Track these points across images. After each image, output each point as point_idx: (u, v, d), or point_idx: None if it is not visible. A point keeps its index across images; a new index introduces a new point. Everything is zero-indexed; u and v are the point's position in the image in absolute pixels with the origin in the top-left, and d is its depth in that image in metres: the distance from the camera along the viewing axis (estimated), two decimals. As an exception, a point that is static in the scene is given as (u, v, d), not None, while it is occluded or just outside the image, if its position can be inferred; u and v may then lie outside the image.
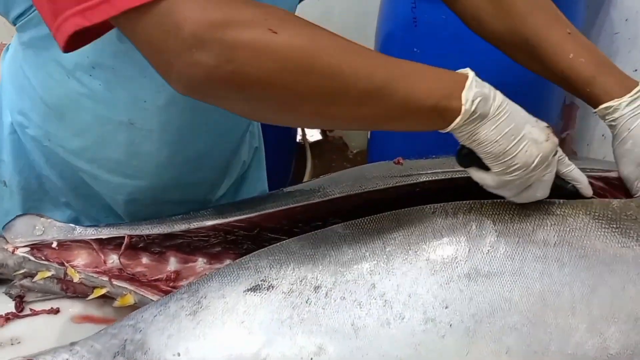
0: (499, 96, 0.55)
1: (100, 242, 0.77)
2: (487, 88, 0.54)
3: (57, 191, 0.89)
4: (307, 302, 0.56)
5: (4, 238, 0.77)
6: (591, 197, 0.62)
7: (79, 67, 0.72)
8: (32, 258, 0.76)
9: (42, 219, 0.78)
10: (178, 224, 0.75)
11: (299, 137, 2.33)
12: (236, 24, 0.47)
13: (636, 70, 1.47)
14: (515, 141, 0.54)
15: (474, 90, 0.53)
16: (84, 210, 0.91)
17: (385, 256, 0.57)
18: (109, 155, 0.81)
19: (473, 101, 0.52)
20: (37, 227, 0.79)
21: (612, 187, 0.66)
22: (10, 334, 0.72)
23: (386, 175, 0.70)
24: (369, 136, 1.82)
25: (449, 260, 0.55)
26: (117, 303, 0.74)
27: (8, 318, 0.74)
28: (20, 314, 0.75)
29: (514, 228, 0.57)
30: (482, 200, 0.60)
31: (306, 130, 2.44)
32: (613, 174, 0.68)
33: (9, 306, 0.76)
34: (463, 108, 0.52)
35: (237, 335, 0.57)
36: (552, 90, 1.51)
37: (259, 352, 0.56)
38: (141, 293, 0.73)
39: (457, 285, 0.54)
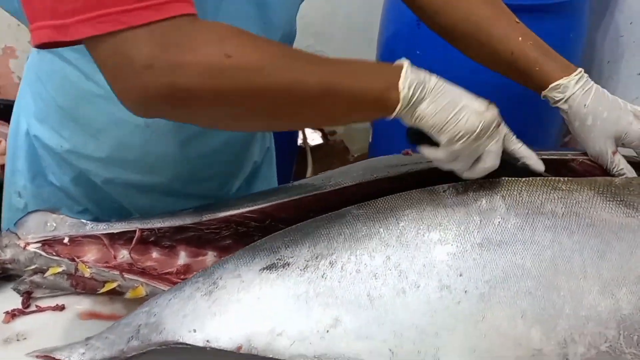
0: (433, 79, 0.62)
1: (111, 237, 0.80)
2: (422, 74, 0.61)
3: (72, 200, 0.93)
4: (322, 277, 0.60)
5: (16, 234, 0.80)
6: (544, 174, 0.67)
7: (97, 69, 0.77)
8: (43, 254, 0.79)
9: (53, 215, 0.82)
10: (189, 217, 0.79)
11: (299, 141, 2.37)
12: (188, 49, 0.53)
13: (641, 73, 1.53)
14: (454, 111, 0.60)
15: (410, 77, 0.60)
16: (100, 216, 0.94)
17: (399, 231, 0.61)
18: (125, 156, 0.85)
19: (410, 87, 0.59)
20: (49, 224, 0.82)
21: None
22: (16, 329, 0.75)
23: (397, 164, 0.75)
24: (370, 139, 1.86)
25: (462, 232, 0.59)
26: (128, 295, 0.77)
27: (14, 314, 0.77)
28: (27, 310, 0.78)
29: (523, 202, 0.61)
30: (490, 179, 0.65)
31: (307, 133, 2.49)
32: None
33: (16, 302, 0.78)
34: (401, 95, 0.59)
35: (253, 312, 0.60)
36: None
37: (274, 328, 0.59)
38: (153, 285, 0.76)
39: (471, 254, 0.57)
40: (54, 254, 0.79)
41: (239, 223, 0.79)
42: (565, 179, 0.65)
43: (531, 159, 0.67)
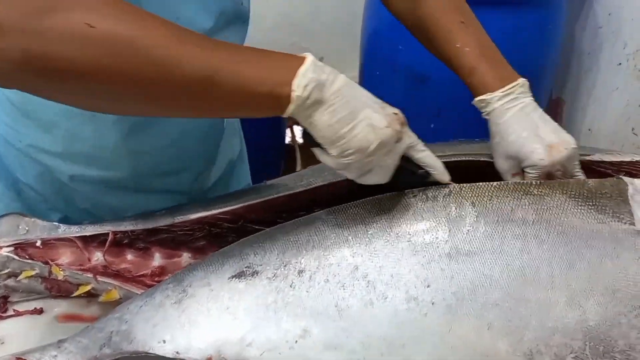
0: (338, 81, 0.56)
1: (85, 239, 0.78)
2: (327, 74, 0.55)
3: (37, 199, 0.90)
4: (291, 286, 0.58)
5: None
6: (448, 183, 0.63)
7: None
8: (16, 257, 0.77)
9: (25, 218, 0.79)
10: (162, 219, 0.77)
11: (288, 139, 2.35)
12: (49, 13, 0.48)
13: (620, 64, 1.51)
14: (349, 126, 0.55)
15: (309, 76, 0.53)
16: (70, 215, 0.92)
17: (367, 239, 0.59)
18: (80, 149, 0.82)
19: (305, 87, 0.53)
20: (20, 227, 0.80)
21: (585, 170, 0.68)
22: None
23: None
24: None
25: (430, 241, 0.58)
26: (102, 298, 0.75)
27: None
28: (4, 315, 0.76)
29: (493, 208, 0.59)
30: (461, 184, 0.63)
31: (295, 132, 2.47)
32: (586, 158, 0.71)
33: None
34: (294, 95, 0.53)
35: (223, 321, 0.59)
36: (538, 86, 1.54)
37: (244, 337, 0.58)
38: (126, 288, 0.75)
39: (439, 264, 0.56)
40: (27, 257, 0.77)
41: (211, 224, 0.77)
42: (538, 182, 0.63)
43: (436, 168, 0.63)
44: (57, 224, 0.79)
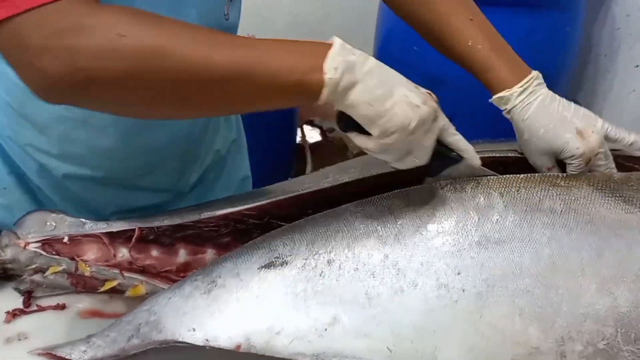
0: (370, 62, 0.57)
1: (111, 235, 0.80)
2: (356, 55, 0.56)
3: (40, 193, 0.92)
4: (320, 275, 0.59)
5: (16, 234, 0.80)
6: (480, 167, 0.63)
7: None
8: (43, 253, 0.78)
9: (52, 214, 0.81)
10: (188, 215, 0.78)
11: (298, 139, 2.36)
12: (81, 31, 0.51)
13: (637, 65, 1.52)
14: (389, 104, 0.55)
15: (338, 59, 0.54)
16: (64, 208, 0.94)
17: (397, 229, 0.60)
18: (73, 150, 0.84)
19: (336, 69, 0.54)
20: (48, 223, 0.82)
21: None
22: (18, 329, 0.74)
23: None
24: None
25: (459, 229, 0.58)
26: (128, 293, 0.76)
27: (15, 314, 0.76)
28: (27, 310, 0.78)
29: (521, 198, 0.60)
30: (488, 176, 0.64)
31: (306, 131, 2.48)
32: (614, 153, 0.71)
33: (17, 302, 0.78)
34: (326, 78, 0.54)
35: (252, 310, 0.60)
36: (554, 88, 1.55)
37: (273, 326, 0.59)
38: (153, 283, 0.76)
39: (468, 252, 0.57)
40: (54, 253, 0.79)
41: (237, 221, 0.78)
42: (564, 174, 0.64)
43: (468, 152, 0.63)
44: (83, 220, 0.81)
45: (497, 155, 0.72)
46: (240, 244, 0.79)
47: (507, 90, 0.70)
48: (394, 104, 0.56)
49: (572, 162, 0.65)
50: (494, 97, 0.71)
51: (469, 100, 1.54)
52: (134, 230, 0.79)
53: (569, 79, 1.60)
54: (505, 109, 0.71)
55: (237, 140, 1.07)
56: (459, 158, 0.63)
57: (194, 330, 0.60)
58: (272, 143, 1.98)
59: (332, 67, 0.54)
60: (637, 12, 1.49)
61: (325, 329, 0.57)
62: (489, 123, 1.61)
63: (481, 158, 0.65)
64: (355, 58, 0.56)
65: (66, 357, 0.67)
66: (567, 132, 0.66)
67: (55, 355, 0.68)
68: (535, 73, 0.71)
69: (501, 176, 0.63)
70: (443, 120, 0.61)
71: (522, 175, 0.63)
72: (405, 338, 0.55)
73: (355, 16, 2.22)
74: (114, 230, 0.79)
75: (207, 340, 0.60)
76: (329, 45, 0.56)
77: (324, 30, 2.32)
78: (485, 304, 0.54)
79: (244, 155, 1.11)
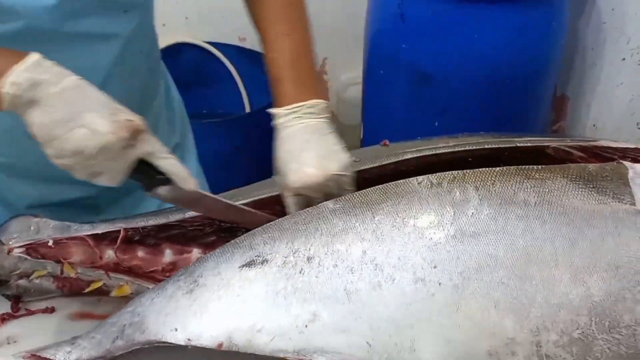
0: (65, 83, 0.57)
1: (96, 237, 0.81)
2: (50, 74, 0.57)
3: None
4: (300, 273, 0.60)
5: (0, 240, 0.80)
6: (192, 189, 0.68)
7: None
8: (28, 257, 0.79)
9: (35, 218, 0.82)
10: (173, 214, 0.79)
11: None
12: None
13: (624, 59, 1.53)
14: (66, 128, 0.57)
15: (24, 75, 0.55)
16: None
17: (374, 225, 0.61)
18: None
19: (17, 85, 0.55)
20: (32, 228, 0.82)
21: (590, 155, 0.70)
22: (7, 333, 0.75)
23: (373, 157, 0.75)
24: (361, 135, 1.87)
25: (435, 224, 0.59)
26: (114, 293, 0.77)
27: (4, 318, 0.77)
28: (16, 314, 0.78)
29: (496, 192, 0.61)
30: (464, 170, 0.65)
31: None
32: (591, 144, 0.72)
33: (5, 307, 0.79)
34: (3, 92, 0.55)
35: (233, 309, 0.61)
36: (542, 84, 1.56)
37: (254, 324, 0.59)
38: (138, 282, 0.77)
39: (444, 246, 0.58)
40: (39, 257, 0.80)
41: (222, 220, 0.79)
42: (539, 167, 0.65)
43: (177, 175, 0.66)
44: (68, 223, 0.82)
45: (473, 148, 0.73)
46: (225, 242, 0.81)
47: (277, 109, 0.73)
48: (70, 129, 0.57)
49: (284, 193, 0.69)
50: (269, 109, 0.75)
51: (457, 96, 1.56)
52: (119, 231, 0.80)
53: (557, 73, 1.61)
54: (274, 124, 0.74)
55: (181, 144, 1.07)
56: (166, 180, 0.67)
57: (176, 330, 0.61)
58: (267, 147, 1.98)
59: (12, 81, 0.55)
60: (622, 6, 1.50)
61: (306, 326, 0.58)
62: (477, 119, 1.63)
63: (456, 152, 0.66)
64: (48, 77, 0.57)
65: (51, 359, 0.68)
66: (295, 163, 0.69)
67: (40, 357, 0.69)
68: (313, 102, 0.73)
69: (477, 170, 0.64)
70: (150, 146, 0.63)
71: (497, 169, 0.64)
72: (383, 332, 0.56)
73: (345, 15, 2.23)
74: (99, 232, 0.80)
75: (189, 339, 0.60)
76: (20, 58, 0.57)
77: (314, 29, 2.33)
78: (462, 296, 0.55)
79: (192, 159, 1.11)
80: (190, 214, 0.78)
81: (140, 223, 0.79)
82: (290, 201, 0.70)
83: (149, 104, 0.95)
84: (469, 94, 1.52)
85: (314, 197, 0.69)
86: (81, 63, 0.70)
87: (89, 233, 0.80)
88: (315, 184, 0.68)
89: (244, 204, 0.75)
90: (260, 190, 0.78)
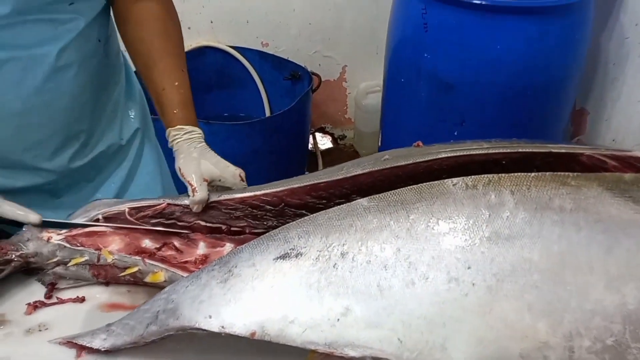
0: None
1: (137, 211, 0.81)
2: None
3: None
4: (334, 267, 0.59)
5: (37, 227, 0.80)
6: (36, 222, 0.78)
7: None
8: (67, 245, 0.79)
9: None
10: (210, 195, 0.80)
11: (310, 146, 2.36)
12: None
13: (646, 74, 1.50)
14: None
15: None
16: None
17: (409, 223, 0.59)
18: None
19: None
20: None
21: (624, 165, 0.68)
22: (38, 320, 0.75)
23: (407, 155, 0.73)
24: (379, 143, 1.85)
25: (470, 225, 0.57)
26: (148, 278, 0.76)
27: (36, 306, 0.77)
28: (48, 302, 0.78)
29: (531, 197, 0.59)
30: (500, 174, 0.63)
31: (317, 138, 2.48)
32: (626, 154, 0.70)
33: (37, 295, 0.78)
34: None
35: (267, 299, 0.59)
36: (562, 97, 1.53)
37: (287, 315, 0.58)
38: (172, 271, 0.76)
39: (479, 247, 0.56)
40: (78, 244, 0.79)
41: (254, 206, 0.78)
42: (574, 174, 0.62)
43: (21, 217, 0.75)
44: (116, 199, 0.85)
45: (505, 151, 0.71)
46: (253, 228, 0.80)
47: (170, 128, 0.87)
48: None
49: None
50: (168, 129, 0.88)
51: (477, 107, 1.54)
52: (160, 207, 0.81)
53: (577, 86, 1.58)
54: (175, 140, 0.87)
55: (141, 129, 1.08)
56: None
57: (210, 317, 0.60)
58: (285, 150, 1.98)
59: None
60: (646, 21, 1.47)
61: (338, 319, 0.57)
62: (496, 130, 1.60)
63: (489, 154, 0.65)
64: None
65: (87, 345, 0.67)
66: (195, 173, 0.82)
67: (75, 343, 0.68)
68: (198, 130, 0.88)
69: (512, 174, 0.62)
70: None
71: (532, 174, 0.62)
72: (415, 329, 0.55)
73: (367, 23, 2.21)
74: (144, 204, 0.81)
75: (222, 327, 0.59)
76: None
77: (337, 37, 2.33)
78: (495, 298, 0.53)
79: (152, 147, 1.12)
80: (225, 196, 0.80)
81: (185, 201, 0.80)
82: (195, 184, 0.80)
83: (110, 91, 0.99)
84: (489, 104, 1.50)
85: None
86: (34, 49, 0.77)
87: (134, 206, 0.82)
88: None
89: (273, 192, 0.77)
90: (285, 183, 0.78)
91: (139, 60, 0.92)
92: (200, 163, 0.83)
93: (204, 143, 0.87)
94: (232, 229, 0.82)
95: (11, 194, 0.82)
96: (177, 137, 0.87)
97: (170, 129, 0.87)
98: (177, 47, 0.93)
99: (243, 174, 0.86)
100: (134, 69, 1.01)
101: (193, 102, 0.91)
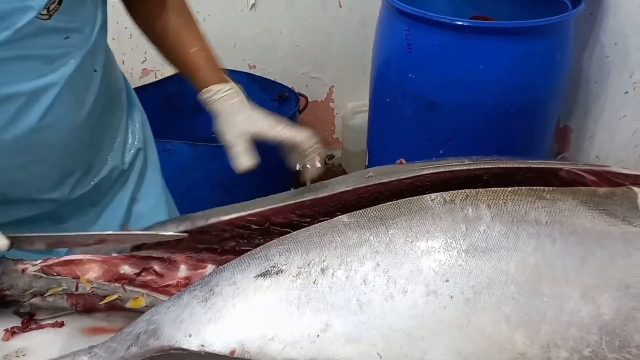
0: None
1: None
2: None
3: None
4: (314, 283, 0.60)
5: (13, 259, 0.79)
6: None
7: None
8: (43, 275, 0.78)
9: None
10: (197, 221, 0.79)
11: (298, 166, 2.37)
12: None
13: (627, 92, 1.54)
14: None
15: None
16: None
17: (388, 238, 0.61)
18: None
19: None
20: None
21: (602, 179, 0.70)
22: (16, 346, 0.74)
23: (390, 172, 0.75)
24: (366, 163, 1.88)
25: (448, 239, 0.59)
26: (129, 304, 0.76)
27: (14, 332, 0.76)
28: (26, 328, 0.77)
29: (508, 210, 0.61)
30: (477, 189, 0.65)
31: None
32: (604, 169, 0.72)
33: (16, 322, 0.77)
34: None
35: (247, 317, 0.60)
36: (546, 114, 1.57)
37: (267, 332, 0.59)
38: (154, 295, 0.76)
39: (457, 260, 0.57)
40: (55, 274, 0.78)
41: (240, 226, 0.79)
42: (550, 188, 0.64)
43: None
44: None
45: (486, 167, 0.73)
46: (241, 246, 0.80)
47: (216, 85, 0.90)
48: None
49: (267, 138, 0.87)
50: (204, 89, 0.90)
51: (462, 125, 1.57)
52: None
53: (561, 105, 1.62)
54: (210, 101, 0.90)
55: (143, 149, 1.09)
56: None
57: (190, 336, 0.61)
58: (272, 171, 1.98)
59: None
60: (625, 40, 1.51)
61: (318, 335, 0.58)
62: (482, 148, 1.62)
63: (470, 169, 0.67)
64: None
65: (68, 368, 0.67)
66: (260, 121, 0.88)
67: (57, 367, 0.68)
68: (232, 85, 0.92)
69: (489, 189, 0.64)
70: None
71: (509, 189, 0.64)
72: (394, 343, 0.56)
73: (354, 44, 2.26)
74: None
75: (202, 345, 0.60)
76: None
77: (323, 59, 2.37)
78: (473, 310, 0.55)
79: (154, 168, 1.13)
80: (213, 220, 0.78)
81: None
82: (240, 148, 0.86)
83: (110, 119, 1.00)
84: (473, 123, 1.53)
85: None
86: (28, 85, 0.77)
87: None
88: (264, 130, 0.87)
89: (258, 212, 0.77)
90: (271, 201, 0.78)
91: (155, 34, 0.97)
92: (243, 121, 0.88)
93: (241, 96, 0.92)
94: (225, 248, 0.82)
95: (13, 225, 0.83)
96: (219, 93, 0.90)
97: (205, 88, 0.90)
98: (193, 19, 0.99)
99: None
100: (134, 85, 1.03)
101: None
